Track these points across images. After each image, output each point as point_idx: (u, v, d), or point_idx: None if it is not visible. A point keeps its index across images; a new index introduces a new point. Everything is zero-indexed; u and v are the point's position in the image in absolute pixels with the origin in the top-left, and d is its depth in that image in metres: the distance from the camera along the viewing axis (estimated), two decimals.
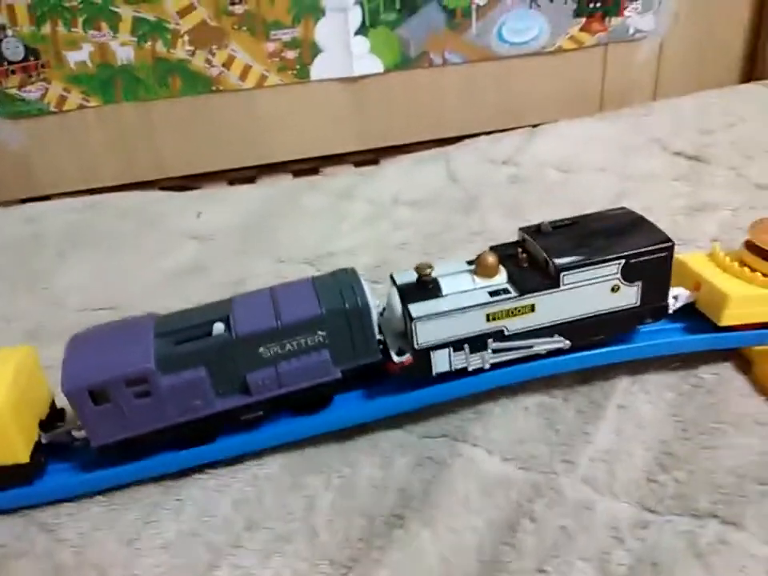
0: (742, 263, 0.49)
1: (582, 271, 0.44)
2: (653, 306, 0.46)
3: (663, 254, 0.44)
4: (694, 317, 0.49)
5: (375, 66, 0.95)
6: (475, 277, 0.45)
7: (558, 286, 0.44)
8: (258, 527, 0.41)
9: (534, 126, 1.00)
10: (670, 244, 0.44)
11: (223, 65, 0.90)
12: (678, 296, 0.48)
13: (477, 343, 0.44)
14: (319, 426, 0.46)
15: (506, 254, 0.46)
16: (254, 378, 0.43)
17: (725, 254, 0.50)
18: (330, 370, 0.44)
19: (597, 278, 0.44)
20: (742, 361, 0.50)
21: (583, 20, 0.99)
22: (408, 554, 0.38)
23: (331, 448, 0.47)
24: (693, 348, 0.49)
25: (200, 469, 0.46)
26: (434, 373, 0.45)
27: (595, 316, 0.45)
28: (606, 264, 0.44)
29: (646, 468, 0.42)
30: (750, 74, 1.12)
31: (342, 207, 0.86)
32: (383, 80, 0.97)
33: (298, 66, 0.93)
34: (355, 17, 0.91)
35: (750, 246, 0.49)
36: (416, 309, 0.43)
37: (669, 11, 1.02)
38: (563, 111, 1.03)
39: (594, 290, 0.44)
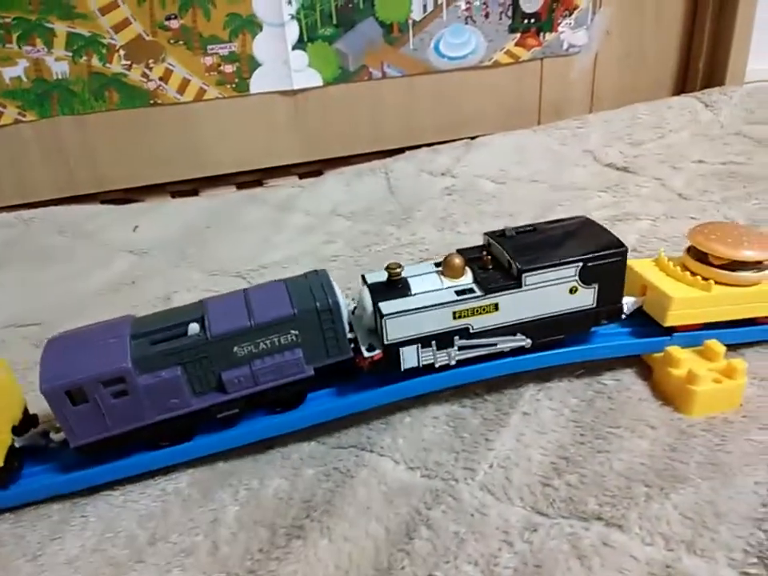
0: (684, 267, 0.52)
1: (543, 273, 0.46)
2: (608, 308, 0.49)
3: (618, 258, 0.47)
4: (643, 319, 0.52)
5: (314, 79, 0.96)
6: (442, 277, 0.47)
7: (521, 286, 0.46)
8: (161, 542, 0.42)
9: (473, 137, 1.02)
10: (623, 249, 0.47)
11: (160, 78, 0.91)
12: (626, 303, 0.51)
13: (444, 340, 0.46)
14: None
15: (471, 256, 0.49)
16: (229, 376, 0.44)
17: (668, 259, 0.53)
18: (303, 368, 0.45)
19: (556, 279, 0.47)
20: (644, 367, 0.52)
21: (518, 35, 1.02)
22: (304, 564, 0.39)
23: (243, 461, 0.47)
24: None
25: (109, 485, 0.46)
26: (402, 368, 0.47)
27: (555, 316, 0.48)
28: (565, 266, 0.46)
29: (541, 472, 0.44)
30: (682, 86, 1.16)
31: (280, 219, 0.87)
32: (323, 93, 0.99)
33: (236, 80, 0.94)
34: (292, 31, 0.93)
35: (691, 251, 0.53)
36: (386, 306, 0.45)
37: (601, 27, 1.06)
38: (502, 123, 1.06)
39: (554, 290, 0.47)
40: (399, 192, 0.91)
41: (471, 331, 0.47)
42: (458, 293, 0.46)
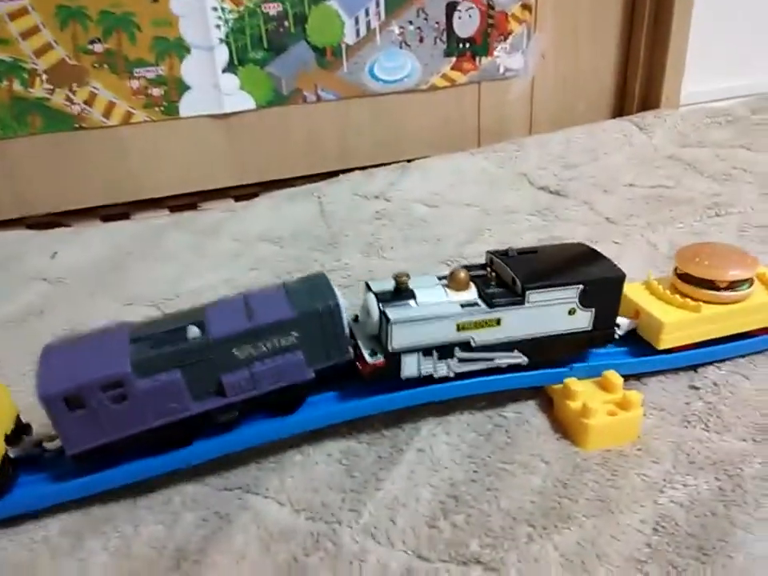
0: (674, 290, 0.53)
1: (546, 291, 0.47)
2: (603, 332, 0.50)
3: (615, 285, 0.49)
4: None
5: (246, 102, 0.95)
6: (448, 290, 0.48)
7: (524, 303, 0.47)
8: None
9: (410, 160, 1.02)
10: (622, 276, 0.49)
11: (85, 102, 0.89)
12: (620, 324, 0.52)
13: (445, 351, 0.47)
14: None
15: (474, 273, 0.49)
16: (229, 379, 0.43)
17: (658, 283, 0.54)
18: (304, 371, 0.45)
19: (557, 299, 0.48)
20: (545, 399, 0.51)
21: (454, 59, 1.02)
22: None
23: (121, 505, 0.45)
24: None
25: None
26: (402, 376, 0.46)
27: (553, 335, 0.49)
28: (567, 287, 0.47)
29: (428, 513, 0.42)
30: (619, 110, 1.17)
31: (206, 245, 0.84)
32: (257, 116, 0.97)
33: (165, 103, 0.92)
34: (222, 55, 0.91)
35: (679, 273, 0.53)
36: (393, 312, 0.45)
37: (536, 51, 1.06)
38: (440, 146, 1.06)
39: (554, 310, 0.48)
40: (330, 216, 0.90)
41: (472, 344, 0.47)
42: (462, 305, 0.47)
